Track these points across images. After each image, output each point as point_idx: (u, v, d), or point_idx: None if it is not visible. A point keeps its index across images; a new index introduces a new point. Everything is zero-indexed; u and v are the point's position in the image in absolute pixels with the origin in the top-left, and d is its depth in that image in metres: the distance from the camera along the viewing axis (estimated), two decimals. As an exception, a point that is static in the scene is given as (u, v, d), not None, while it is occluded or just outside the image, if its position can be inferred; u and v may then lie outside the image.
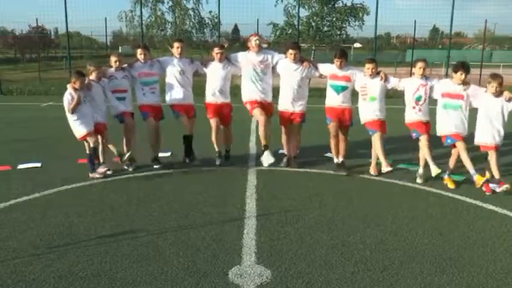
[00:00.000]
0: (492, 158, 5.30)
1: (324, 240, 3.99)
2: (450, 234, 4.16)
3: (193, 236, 4.03)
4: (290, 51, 6.03)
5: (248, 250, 3.75)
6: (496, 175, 5.23)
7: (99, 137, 5.87)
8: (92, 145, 5.67)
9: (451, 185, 5.50)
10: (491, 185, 5.26)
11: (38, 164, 6.38)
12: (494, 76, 5.30)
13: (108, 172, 5.84)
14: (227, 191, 5.33)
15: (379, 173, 5.92)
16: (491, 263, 3.60)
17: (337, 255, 3.70)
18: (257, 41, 6.13)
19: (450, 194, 5.27)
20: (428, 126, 5.72)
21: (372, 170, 6.04)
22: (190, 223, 4.34)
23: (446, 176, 5.60)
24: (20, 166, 6.29)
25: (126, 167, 6.11)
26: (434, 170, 5.39)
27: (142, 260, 3.57)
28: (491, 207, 4.88)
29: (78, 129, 5.63)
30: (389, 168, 5.73)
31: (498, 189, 5.17)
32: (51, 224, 4.28)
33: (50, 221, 4.35)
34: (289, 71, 6.12)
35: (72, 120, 5.61)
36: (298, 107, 6.18)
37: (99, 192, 5.24)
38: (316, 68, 6.23)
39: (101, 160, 6.00)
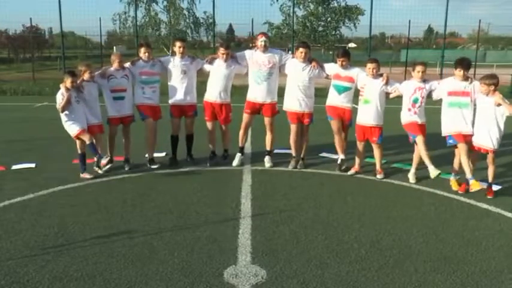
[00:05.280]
0: (489, 160, 5.22)
1: (319, 239, 3.99)
2: (444, 233, 4.18)
3: (188, 236, 4.02)
4: (300, 49, 6.01)
5: (243, 250, 3.75)
6: (490, 178, 5.21)
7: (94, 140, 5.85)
8: (87, 142, 5.61)
9: (455, 187, 5.42)
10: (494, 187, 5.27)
11: (32, 165, 6.34)
12: (485, 77, 5.18)
13: (100, 172, 5.78)
14: (222, 191, 5.32)
15: (384, 176, 5.87)
16: (485, 262, 3.62)
17: (333, 254, 3.70)
18: (263, 42, 6.07)
19: (445, 194, 5.29)
20: (424, 127, 5.63)
21: (377, 173, 5.95)
22: (185, 223, 4.33)
23: (452, 178, 5.53)
24: (14, 167, 6.25)
25: (126, 168, 6.14)
26: (432, 172, 5.27)
27: (137, 261, 3.57)
28: (485, 206, 4.91)
29: (71, 128, 5.62)
30: (353, 171, 5.96)
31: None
32: (45, 224, 4.26)
33: (45, 221, 4.33)
34: (297, 70, 6.07)
35: (64, 121, 5.62)
36: (306, 107, 6.14)
37: (93, 193, 5.22)
38: (323, 69, 6.19)
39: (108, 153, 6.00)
